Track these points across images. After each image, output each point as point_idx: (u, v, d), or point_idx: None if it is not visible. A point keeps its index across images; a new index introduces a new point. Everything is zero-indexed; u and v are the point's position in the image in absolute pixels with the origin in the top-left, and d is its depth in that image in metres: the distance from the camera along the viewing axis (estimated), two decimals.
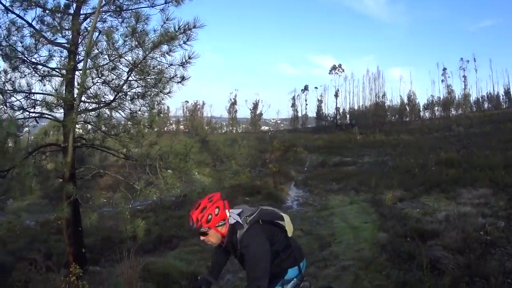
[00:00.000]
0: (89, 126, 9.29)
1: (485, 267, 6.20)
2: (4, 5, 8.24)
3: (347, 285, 6.92)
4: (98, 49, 8.11)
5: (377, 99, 57.32)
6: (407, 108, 57.35)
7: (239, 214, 3.34)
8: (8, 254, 13.63)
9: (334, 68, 62.02)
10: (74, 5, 8.80)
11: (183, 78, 8.03)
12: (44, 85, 8.82)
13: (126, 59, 7.92)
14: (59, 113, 8.43)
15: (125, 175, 8.57)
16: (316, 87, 64.58)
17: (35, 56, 8.79)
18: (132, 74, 8.00)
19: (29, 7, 8.55)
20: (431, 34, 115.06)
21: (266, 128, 70.01)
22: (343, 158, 31.00)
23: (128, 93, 8.62)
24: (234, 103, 63.64)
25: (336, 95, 60.18)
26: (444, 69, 58.94)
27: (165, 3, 8.39)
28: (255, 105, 63.06)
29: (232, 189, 18.21)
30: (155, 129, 8.98)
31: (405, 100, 57.68)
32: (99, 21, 8.53)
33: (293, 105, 63.48)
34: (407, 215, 10.98)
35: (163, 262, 9.11)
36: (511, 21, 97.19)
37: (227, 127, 67.23)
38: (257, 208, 3.45)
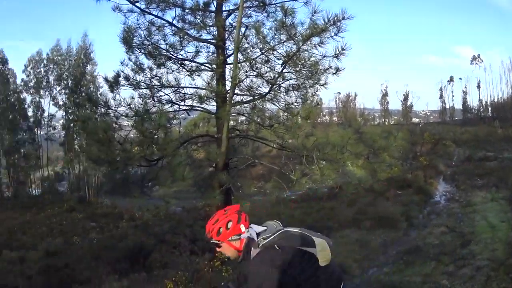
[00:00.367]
0: (243, 118, 9.65)
1: None
2: (139, 8, 8.95)
3: (478, 287, 6.56)
4: (248, 43, 8.38)
5: None
6: None
7: (259, 232, 2.98)
8: (150, 236, 14.85)
9: (474, 58, 57.87)
10: (215, 2, 9.24)
11: (337, 70, 7.97)
12: (193, 80, 9.42)
13: (278, 52, 8.01)
14: (210, 106, 8.91)
15: (280, 165, 8.77)
16: (460, 78, 60.89)
17: (181, 52, 9.43)
18: (285, 67, 8.09)
19: (167, 8, 9.21)
20: None
21: (417, 120, 67.73)
22: (486, 153, 29.48)
23: (282, 85, 8.76)
24: (385, 95, 61.57)
25: (479, 87, 56.19)
26: None
27: None
28: (406, 97, 60.54)
29: (386, 182, 17.97)
30: (310, 121, 8.99)
31: None
32: (243, 16, 8.76)
33: (441, 96, 60.38)
34: None
35: None
36: None
37: (379, 119, 65.65)
38: (280, 230, 2.99)
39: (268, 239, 2.85)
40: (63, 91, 39.35)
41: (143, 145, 7.32)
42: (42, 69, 39.81)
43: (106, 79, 8.96)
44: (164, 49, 9.20)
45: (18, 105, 39.91)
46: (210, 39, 9.31)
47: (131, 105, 8.22)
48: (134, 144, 7.62)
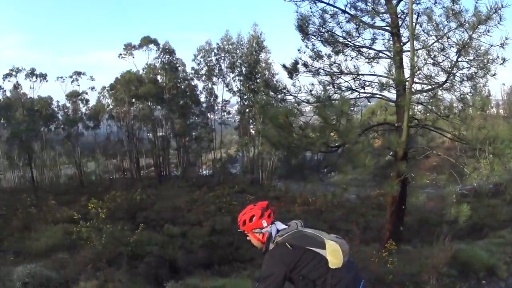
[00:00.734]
0: (420, 107, 9.37)
1: None
2: None
3: None
4: (423, 30, 8.15)
5: None
6: None
7: (280, 230, 3.22)
8: (322, 222, 15.22)
9: None
10: None
11: (504, 60, 7.57)
12: (372, 67, 9.33)
13: (452, 40, 7.75)
14: (389, 94, 8.78)
15: (455, 157, 8.35)
16: None
17: (358, 40, 9.37)
18: (460, 55, 7.76)
19: None
20: None
21: None
22: None
23: (457, 74, 8.32)
24: None
25: None
26: None
27: None
28: None
29: None
30: (483, 113, 8.41)
31: None
32: (413, 3, 8.34)
33: None
34: None
35: (469, 250, 8.61)
36: None
37: None
38: (295, 230, 3.19)
39: (282, 237, 3.12)
40: (237, 78, 42.43)
41: (324, 131, 7.59)
42: (213, 58, 43.18)
43: (284, 66, 9.33)
44: (340, 36, 9.26)
45: (189, 91, 44.42)
46: (385, 26, 9.07)
47: (312, 92, 8.56)
48: (315, 130, 7.92)
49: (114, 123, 50.46)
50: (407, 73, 8.23)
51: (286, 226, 3.28)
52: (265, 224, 3.26)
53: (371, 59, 9.32)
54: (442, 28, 7.77)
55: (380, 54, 9.27)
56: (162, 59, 44.54)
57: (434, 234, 7.50)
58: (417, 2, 8.84)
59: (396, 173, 8.00)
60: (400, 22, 8.85)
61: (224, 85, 42.95)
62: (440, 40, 8.01)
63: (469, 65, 8.09)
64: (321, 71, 9.22)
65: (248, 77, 40.60)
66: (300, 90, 8.84)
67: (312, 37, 9.31)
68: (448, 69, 8.04)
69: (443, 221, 8.87)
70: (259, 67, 41.07)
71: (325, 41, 9.28)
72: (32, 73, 45.39)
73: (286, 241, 3.12)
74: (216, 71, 43.11)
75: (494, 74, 8.11)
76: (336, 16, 9.29)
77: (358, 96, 9.09)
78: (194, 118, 45.02)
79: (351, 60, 9.32)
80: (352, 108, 8.87)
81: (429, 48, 8.19)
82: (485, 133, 7.96)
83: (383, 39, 9.47)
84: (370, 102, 9.33)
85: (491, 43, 7.42)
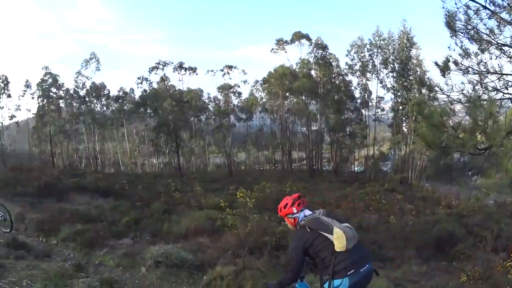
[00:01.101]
0: None
1: None
2: None
3: None
4: None
5: None
6: None
7: (306, 215, 4.12)
8: (461, 226, 14.37)
9: None
10: None
11: None
12: None
13: None
14: None
15: None
16: None
17: (500, 37, 8.57)
18: None
19: None
20: None
21: None
22: None
23: None
24: None
25: None
26: None
27: None
28: None
29: None
30: None
31: None
32: None
33: None
34: None
35: None
36: None
37: None
38: (313, 216, 4.05)
39: (304, 221, 4.06)
40: (390, 74, 41.15)
41: (474, 133, 7.21)
42: (366, 53, 42.89)
43: (436, 64, 9.03)
44: (484, 34, 8.63)
45: (343, 86, 44.27)
46: None
47: (464, 91, 8.12)
48: (466, 131, 7.58)
49: (267, 115, 53.28)
50: None
51: (312, 213, 4.16)
52: (295, 211, 4.21)
53: None
54: None
55: None
56: (316, 54, 45.23)
57: None
58: None
59: None
60: None
61: (378, 81, 42.06)
62: None
63: None
64: (470, 69, 8.71)
65: (400, 74, 39.06)
66: (452, 89, 8.49)
67: (460, 34, 8.86)
68: None
69: None
70: (411, 64, 39.55)
71: (471, 38, 8.73)
72: (180, 67, 49.47)
73: (305, 224, 4.04)
74: (370, 67, 42.42)
75: None
76: (478, 12, 8.69)
77: (502, 97, 8.35)
78: (348, 114, 44.90)
79: (495, 59, 8.62)
80: (497, 110, 8.22)
81: None
82: None
83: None
84: None
85: None
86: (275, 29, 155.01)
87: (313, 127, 48.02)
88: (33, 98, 51.07)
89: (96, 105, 55.40)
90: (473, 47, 8.84)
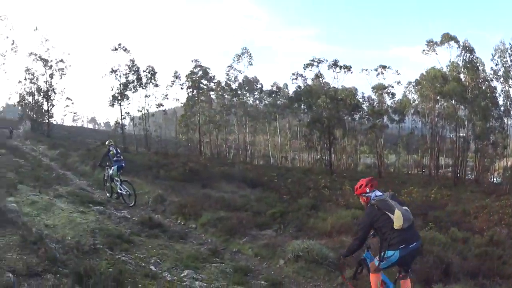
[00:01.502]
0: None
1: None
2: None
3: None
4: None
5: None
6: None
7: (377, 195, 4.91)
8: None
9: None
10: None
11: None
12: None
13: None
14: None
15: None
16: None
17: None
18: None
19: None
20: None
21: None
22: None
23: None
24: None
25: None
26: None
27: None
28: None
29: None
30: None
31: None
32: None
33: None
34: None
35: None
36: None
37: None
38: (381, 197, 4.84)
39: (374, 201, 4.87)
40: None
41: None
42: (508, 59, 39.82)
43: None
44: None
45: (489, 92, 41.16)
46: None
47: None
48: None
49: (419, 118, 51.44)
50: None
51: (382, 194, 5.02)
52: (368, 191, 5.09)
53: None
54: None
55: None
56: (463, 57, 43.04)
57: None
58: None
59: None
60: None
61: None
62: None
63: None
64: None
65: None
66: None
67: None
68: None
69: None
70: None
71: None
72: (335, 64, 49.07)
73: (374, 203, 4.87)
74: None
75: None
76: None
77: None
78: (492, 122, 41.94)
79: None
80: None
81: None
82: None
83: None
84: None
85: None
86: (426, 31, 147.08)
87: (460, 133, 45.82)
88: (182, 88, 53.39)
89: (248, 98, 58.18)
90: None
